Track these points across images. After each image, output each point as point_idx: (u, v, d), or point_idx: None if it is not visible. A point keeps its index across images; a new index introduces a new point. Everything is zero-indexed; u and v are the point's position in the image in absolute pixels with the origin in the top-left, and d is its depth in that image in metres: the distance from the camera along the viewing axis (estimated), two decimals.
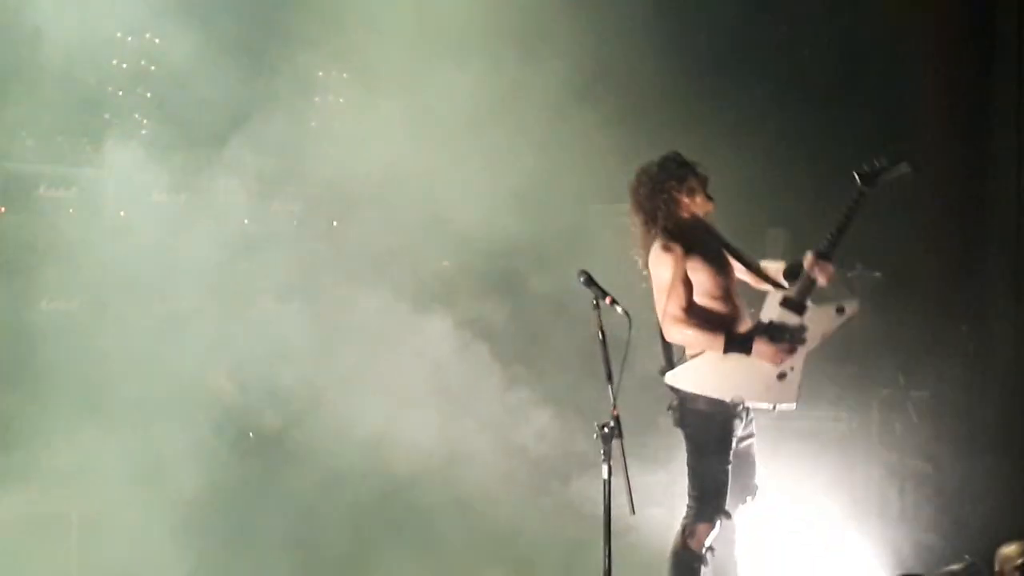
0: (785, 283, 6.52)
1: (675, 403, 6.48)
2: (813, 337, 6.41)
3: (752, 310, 6.68)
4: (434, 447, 8.33)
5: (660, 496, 7.46)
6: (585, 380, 7.53)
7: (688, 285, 6.44)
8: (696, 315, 6.41)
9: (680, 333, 6.40)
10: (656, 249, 6.48)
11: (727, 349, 6.33)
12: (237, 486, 7.64)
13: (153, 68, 9.34)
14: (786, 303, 6.41)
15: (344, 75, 10.41)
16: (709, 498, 6.33)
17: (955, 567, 7.56)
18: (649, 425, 7.76)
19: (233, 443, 8.02)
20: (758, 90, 10.36)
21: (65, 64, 8.67)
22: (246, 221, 9.59)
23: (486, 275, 9.66)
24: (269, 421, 8.32)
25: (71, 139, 9.10)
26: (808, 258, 6.45)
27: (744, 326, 6.48)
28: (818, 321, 6.42)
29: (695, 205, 6.57)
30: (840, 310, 6.43)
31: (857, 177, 6.49)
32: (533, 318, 9.42)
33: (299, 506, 8.09)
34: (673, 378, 6.43)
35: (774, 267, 6.69)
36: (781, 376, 6.32)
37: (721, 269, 6.54)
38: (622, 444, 5.85)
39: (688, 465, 6.46)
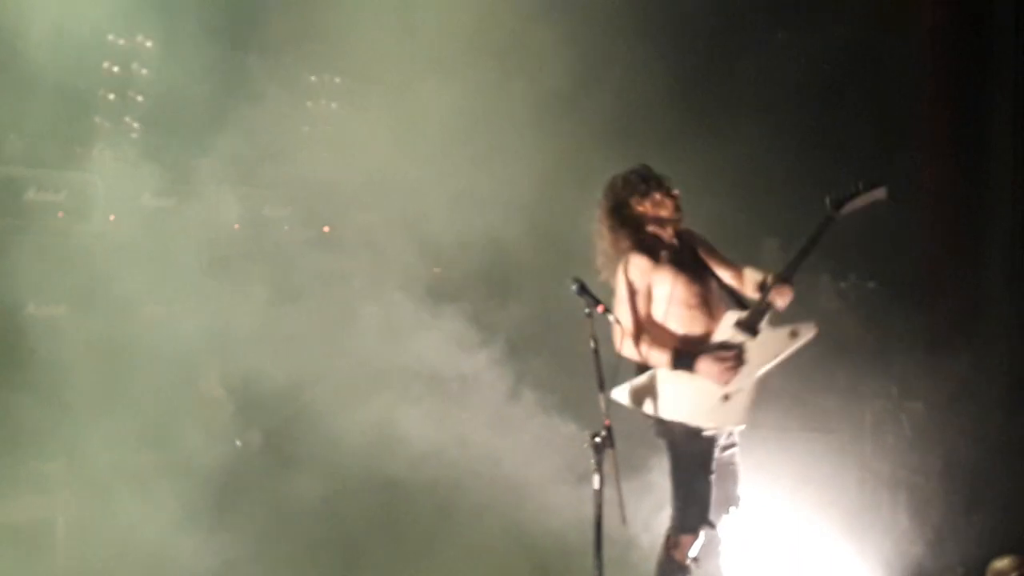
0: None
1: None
2: (764, 360, 6.30)
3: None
4: (428, 451, 8.27)
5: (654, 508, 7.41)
6: (582, 386, 7.50)
7: (648, 299, 6.36)
8: (649, 330, 6.33)
9: (631, 348, 6.32)
10: (621, 263, 6.40)
11: (674, 365, 6.25)
12: (230, 495, 7.58)
13: (144, 71, 9.30)
14: (740, 324, 6.33)
15: (336, 80, 10.39)
16: (692, 509, 6.28)
17: None
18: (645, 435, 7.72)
19: (223, 451, 7.96)
20: (751, 98, 10.33)
21: (54, 67, 8.62)
22: (236, 226, 9.55)
23: (476, 281, 9.63)
24: (260, 427, 8.27)
25: (60, 142, 9.05)
26: (769, 279, 6.40)
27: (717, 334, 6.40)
28: (771, 344, 6.31)
29: (661, 217, 6.47)
30: (794, 334, 6.33)
31: (828, 202, 6.41)
32: (525, 324, 9.39)
33: (298, 504, 8.00)
34: (619, 393, 6.35)
35: (754, 277, 6.63)
36: (726, 398, 6.22)
37: (697, 277, 6.46)
38: (614, 454, 5.81)
39: (670, 476, 6.41)
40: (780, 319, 6.37)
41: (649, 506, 7.19)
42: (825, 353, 6.64)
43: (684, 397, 6.22)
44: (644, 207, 6.47)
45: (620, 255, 6.42)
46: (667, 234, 6.48)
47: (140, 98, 9.33)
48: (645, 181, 6.52)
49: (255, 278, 8.83)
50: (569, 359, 7.44)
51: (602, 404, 5.85)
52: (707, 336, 6.32)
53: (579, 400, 7.19)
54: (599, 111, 9.66)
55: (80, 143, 9.09)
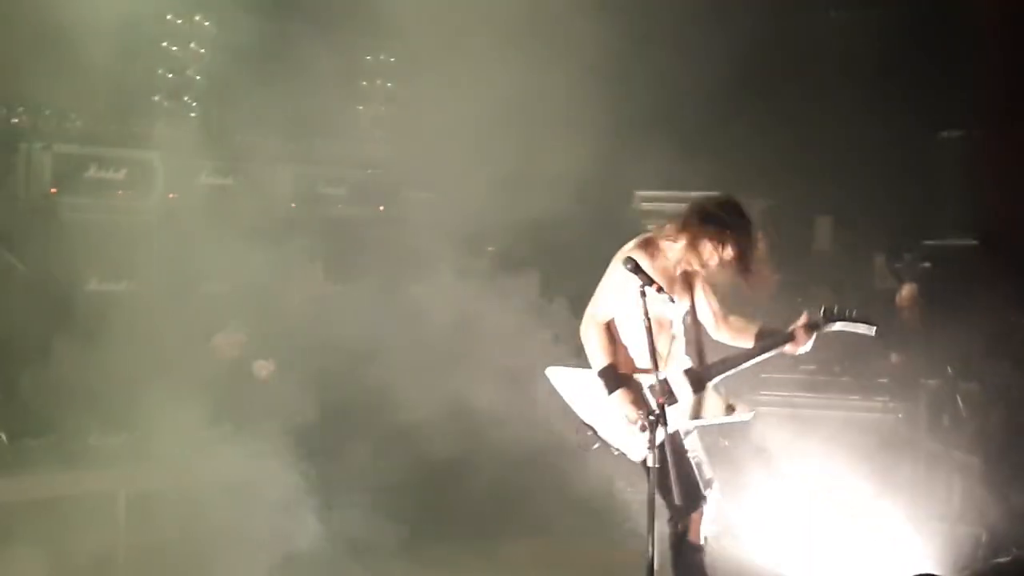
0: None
1: None
2: (691, 416, 6.20)
3: None
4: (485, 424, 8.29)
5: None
6: None
7: (625, 303, 6.18)
8: (608, 327, 6.26)
9: (586, 332, 6.27)
10: (624, 256, 6.19)
11: (600, 374, 6.20)
12: (290, 466, 7.62)
13: (202, 51, 9.39)
14: (689, 373, 6.26)
15: (391, 59, 10.45)
16: (685, 488, 6.14)
17: (1002, 559, 7.51)
18: None
19: (283, 424, 8.02)
20: (803, 78, 10.29)
21: (114, 47, 8.73)
22: (293, 204, 9.63)
23: (527, 261, 9.67)
24: (319, 400, 8.33)
25: (120, 121, 9.16)
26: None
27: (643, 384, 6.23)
28: (706, 406, 6.24)
29: (714, 263, 6.17)
30: (731, 408, 6.24)
31: (822, 311, 6.32)
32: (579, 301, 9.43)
33: (361, 476, 8.06)
34: (552, 373, 6.30)
35: (738, 323, 6.42)
36: (643, 428, 6.07)
37: (660, 332, 6.13)
38: (667, 432, 5.83)
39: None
40: (726, 388, 6.26)
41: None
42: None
43: (606, 407, 6.15)
44: (711, 242, 6.15)
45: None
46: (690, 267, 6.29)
47: (198, 77, 9.42)
48: (732, 217, 6.16)
49: (310, 255, 8.92)
50: None
51: (656, 382, 5.86)
52: (648, 369, 6.02)
53: None
54: (649, 92, 9.69)
55: (140, 122, 9.20)
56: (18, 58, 8.35)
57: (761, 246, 6.21)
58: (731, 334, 6.40)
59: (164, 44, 9.34)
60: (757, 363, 6.33)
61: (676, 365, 6.28)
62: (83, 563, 7.44)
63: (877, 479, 8.22)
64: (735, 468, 8.12)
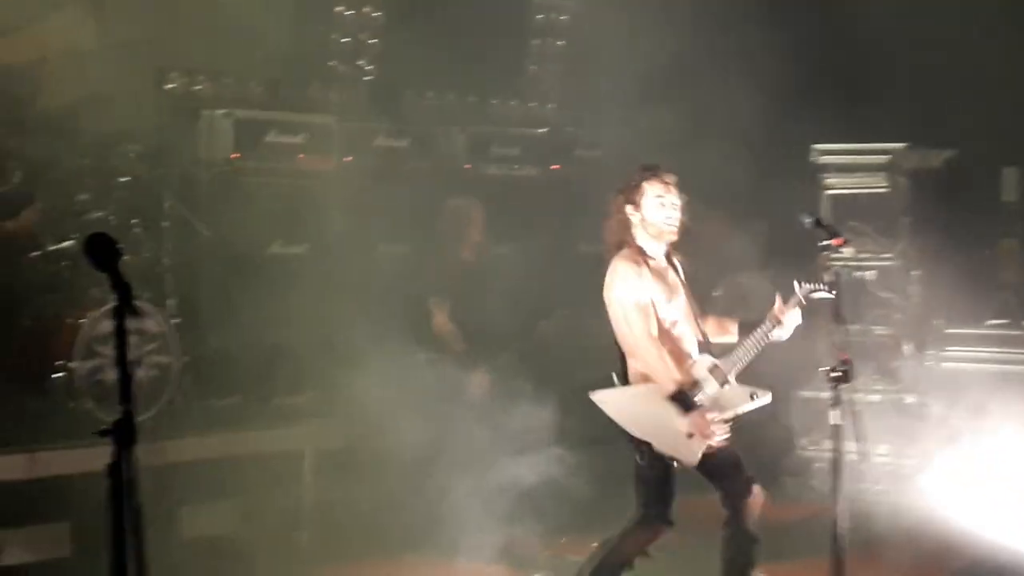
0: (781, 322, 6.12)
1: None
2: (722, 410, 6.03)
3: None
4: None
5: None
6: None
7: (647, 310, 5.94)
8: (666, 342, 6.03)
9: (646, 354, 5.92)
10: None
11: (673, 397, 5.99)
12: (463, 430, 7.67)
13: (375, 15, 9.49)
14: (715, 371, 6.06)
15: (563, 18, 10.44)
16: (731, 477, 6.02)
17: None
18: None
19: (458, 385, 8.09)
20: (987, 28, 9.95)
21: (291, 12, 8.89)
22: (467, 165, 9.70)
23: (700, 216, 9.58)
24: (491, 361, 8.37)
25: (298, 86, 9.33)
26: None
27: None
28: (733, 397, 6.05)
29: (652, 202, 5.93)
30: (753, 396, 6.05)
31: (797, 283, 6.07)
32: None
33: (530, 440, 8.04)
34: (599, 397, 6.12)
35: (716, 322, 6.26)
36: (690, 435, 5.91)
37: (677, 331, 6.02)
38: (852, 388, 5.74)
39: (642, 479, 6.16)
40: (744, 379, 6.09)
41: None
42: None
43: (657, 422, 5.98)
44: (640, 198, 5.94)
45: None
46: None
47: (372, 40, 9.54)
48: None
49: (483, 217, 8.94)
50: None
51: (841, 336, 5.77)
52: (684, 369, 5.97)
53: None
54: (823, 45, 9.53)
55: (316, 87, 9.36)
56: (197, 27, 8.58)
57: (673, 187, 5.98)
58: (714, 328, 6.24)
59: (338, 9, 9.47)
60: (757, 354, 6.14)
61: (702, 362, 6.14)
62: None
63: None
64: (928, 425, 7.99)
